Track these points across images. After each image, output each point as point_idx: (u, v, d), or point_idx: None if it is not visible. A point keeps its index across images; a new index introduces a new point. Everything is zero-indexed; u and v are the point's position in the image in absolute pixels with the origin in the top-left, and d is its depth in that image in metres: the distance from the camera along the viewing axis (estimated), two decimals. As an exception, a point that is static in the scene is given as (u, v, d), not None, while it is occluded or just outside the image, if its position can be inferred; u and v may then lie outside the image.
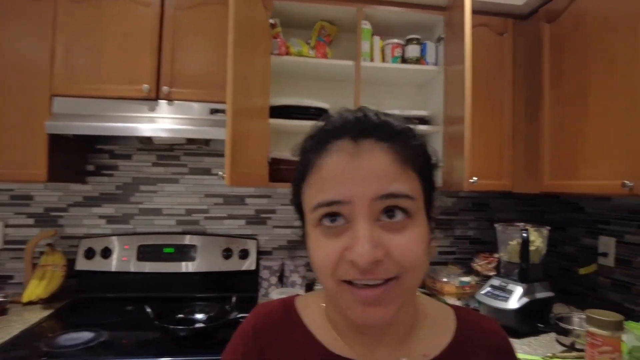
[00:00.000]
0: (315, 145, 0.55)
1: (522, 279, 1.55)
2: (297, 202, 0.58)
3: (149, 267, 1.85)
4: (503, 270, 1.68)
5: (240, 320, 1.57)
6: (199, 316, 1.54)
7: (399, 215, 0.49)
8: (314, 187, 0.53)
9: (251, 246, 1.95)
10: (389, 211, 0.49)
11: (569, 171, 1.60)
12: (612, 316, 1.16)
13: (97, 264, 1.83)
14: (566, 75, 1.64)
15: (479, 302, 1.65)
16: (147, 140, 1.85)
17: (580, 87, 1.56)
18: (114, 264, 1.84)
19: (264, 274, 1.93)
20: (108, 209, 1.95)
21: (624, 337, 1.19)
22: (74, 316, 1.61)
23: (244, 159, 1.49)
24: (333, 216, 0.50)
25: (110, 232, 1.95)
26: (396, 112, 1.93)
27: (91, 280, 1.83)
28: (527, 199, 2.28)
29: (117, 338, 1.41)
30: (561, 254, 2.12)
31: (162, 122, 1.64)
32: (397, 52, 1.92)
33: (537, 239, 1.62)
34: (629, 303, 1.71)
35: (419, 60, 1.93)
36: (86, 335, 1.40)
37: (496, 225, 1.72)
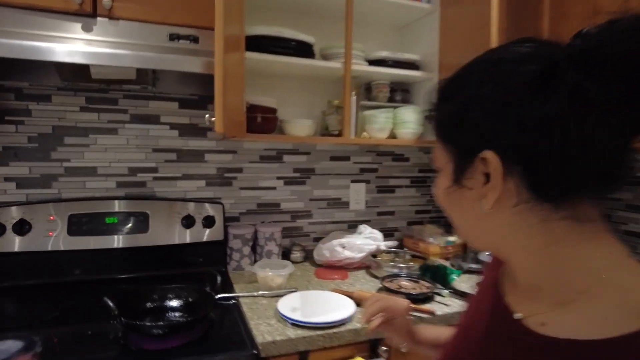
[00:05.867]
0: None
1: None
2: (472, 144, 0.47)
3: (85, 243, 1.43)
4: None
5: (225, 304, 1.30)
6: (173, 303, 1.20)
7: None
8: None
9: (217, 212, 1.60)
10: None
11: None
12: None
13: (9, 243, 1.36)
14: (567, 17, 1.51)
15: (482, 263, 1.54)
16: (74, 75, 1.38)
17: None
18: (35, 242, 1.38)
19: (235, 244, 1.62)
20: (18, 169, 1.45)
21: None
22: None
23: (228, 102, 1.15)
24: None
25: (24, 199, 1.46)
26: (384, 53, 1.68)
27: (1, 266, 1.36)
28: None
29: (62, 345, 1.03)
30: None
31: (102, 47, 1.20)
32: (391, -18, 1.64)
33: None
34: None
35: (412, -5, 1.68)
36: (12, 345, 0.99)
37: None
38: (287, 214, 1.82)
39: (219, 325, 1.15)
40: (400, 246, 1.99)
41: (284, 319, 1.19)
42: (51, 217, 1.41)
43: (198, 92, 1.62)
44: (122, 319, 1.01)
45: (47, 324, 1.12)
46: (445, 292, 1.44)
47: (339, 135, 1.61)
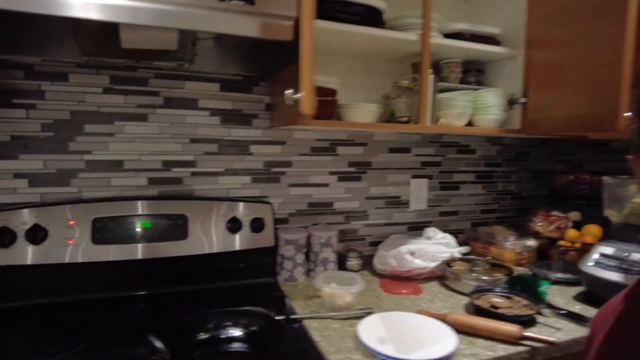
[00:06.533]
0: None
1: (651, 246, 1.21)
2: None
3: (112, 253, 1.17)
4: (614, 235, 1.33)
5: (288, 327, 1.05)
6: (232, 333, 0.95)
7: None
8: None
9: (266, 213, 1.35)
10: None
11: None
12: None
13: (20, 254, 1.10)
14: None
15: (582, 273, 1.29)
16: (98, 47, 1.11)
17: None
18: (52, 252, 1.13)
19: (287, 250, 1.36)
20: (31, 163, 1.19)
21: None
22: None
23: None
24: None
25: (38, 199, 1.21)
26: (461, 25, 1.42)
27: (12, 282, 1.11)
28: (564, 147, 1.95)
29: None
30: None
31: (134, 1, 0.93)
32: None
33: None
34: None
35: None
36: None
37: (605, 178, 1.35)
38: (341, 215, 1.57)
39: (292, 361, 0.90)
40: (469, 252, 1.75)
41: (372, 353, 0.94)
42: (71, 222, 1.16)
43: (242, 71, 1.36)
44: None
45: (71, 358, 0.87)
46: (547, 310, 1.19)
47: (409, 122, 1.36)
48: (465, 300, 1.29)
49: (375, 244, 1.58)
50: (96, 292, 1.18)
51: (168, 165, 1.32)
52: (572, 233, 1.60)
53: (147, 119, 1.29)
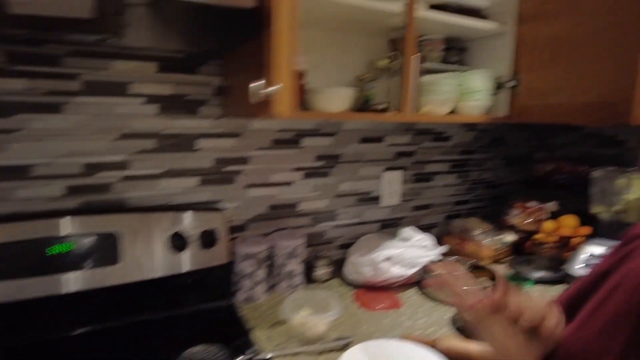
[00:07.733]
0: None
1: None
2: None
3: (20, 290, 0.90)
4: (603, 233, 1.23)
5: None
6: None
7: None
8: None
9: (218, 223, 1.12)
10: None
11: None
12: None
13: None
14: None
15: (569, 276, 1.19)
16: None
17: None
18: None
19: (245, 266, 1.15)
20: None
21: None
22: None
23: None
24: None
25: None
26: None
27: None
28: (539, 131, 1.83)
29: None
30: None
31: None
32: None
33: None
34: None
35: None
36: None
37: (595, 171, 1.24)
38: (306, 217, 1.37)
39: None
40: (450, 252, 1.62)
41: (361, 407, 0.77)
42: (-42, 251, 0.87)
43: (185, 47, 1.08)
44: None
45: None
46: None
47: (386, 109, 1.16)
48: (450, 311, 1.15)
49: (346, 246, 1.41)
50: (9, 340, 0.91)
51: (92, 168, 1.04)
52: (548, 225, 1.51)
53: (62, 110, 1.00)
